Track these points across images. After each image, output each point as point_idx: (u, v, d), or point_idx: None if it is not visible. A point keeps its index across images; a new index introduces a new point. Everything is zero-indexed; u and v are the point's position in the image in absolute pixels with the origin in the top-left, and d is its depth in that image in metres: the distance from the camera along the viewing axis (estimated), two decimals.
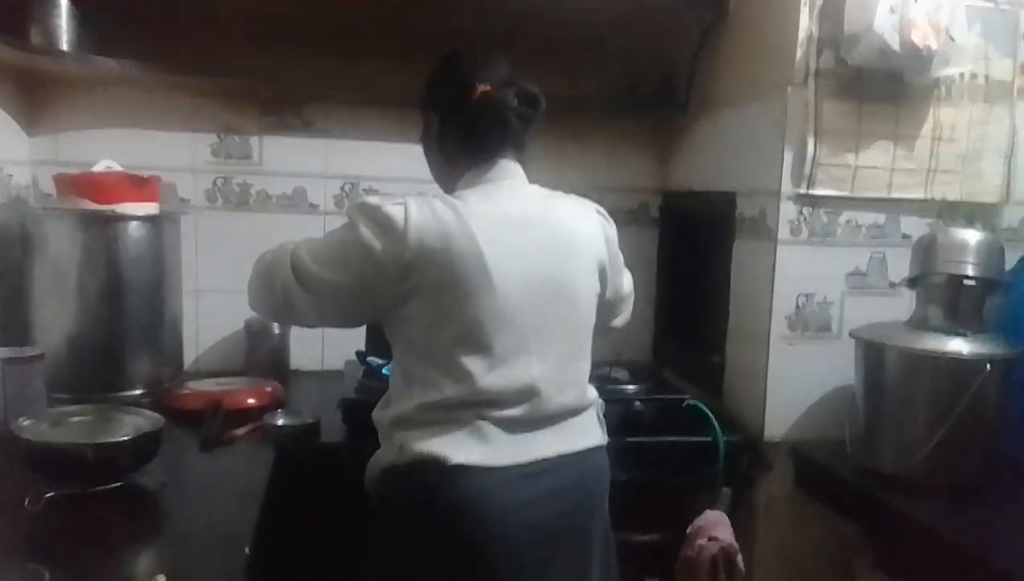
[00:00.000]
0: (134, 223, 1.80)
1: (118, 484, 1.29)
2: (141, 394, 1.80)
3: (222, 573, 1.06)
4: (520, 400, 1.24)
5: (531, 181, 1.37)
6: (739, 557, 1.51)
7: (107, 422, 1.40)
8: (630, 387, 1.85)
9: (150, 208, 1.85)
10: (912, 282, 1.60)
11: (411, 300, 1.23)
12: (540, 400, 1.26)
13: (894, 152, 1.72)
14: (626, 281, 1.53)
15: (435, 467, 1.20)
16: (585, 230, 1.35)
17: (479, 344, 1.22)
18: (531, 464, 1.24)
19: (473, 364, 1.22)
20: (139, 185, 1.84)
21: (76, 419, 1.39)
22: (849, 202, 1.73)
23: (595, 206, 1.42)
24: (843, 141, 1.70)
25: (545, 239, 1.28)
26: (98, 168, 1.86)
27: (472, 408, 1.23)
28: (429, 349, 1.25)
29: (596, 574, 1.32)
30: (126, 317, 1.80)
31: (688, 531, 1.57)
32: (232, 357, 2.10)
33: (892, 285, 1.74)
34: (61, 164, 1.97)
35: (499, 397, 1.23)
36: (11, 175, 1.89)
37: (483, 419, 1.23)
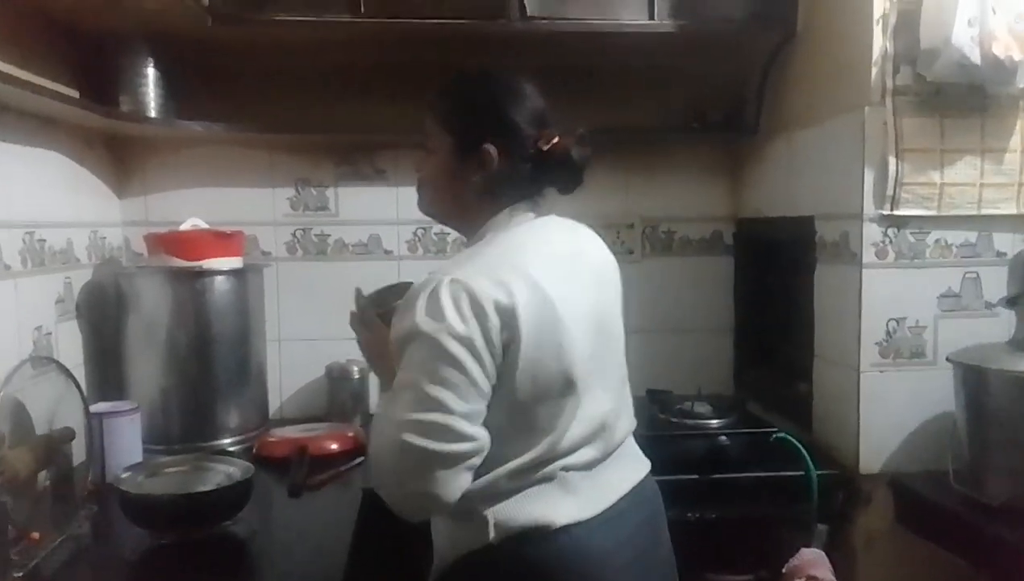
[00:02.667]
0: (220, 277, 1.86)
1: (212, 532, 1.32)
2: (230, 442, 1.85)
3: None
4: (594, 438, 1.19)
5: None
6: None
7: (200, 472, 1.44)
8: (714, 421, 1.80)
9: (235, 262, 1.92)
10: (1011, 301, 1.52)
11: (503, 369, 1.11)
12: (609, 433, 1.22)
13: (982, 167, 1.65)
14: None
15: (540, 536, 1.10)
16: (610, 260, 1.32)
17: (562, 394, 1.14)
18: (615, 506, 1.19)
19: (558, 416, 1.14)
20: (224, 240, 1.91)
21: (171, 470, 1.44)
22: (937, 221, 1.66)
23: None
24: (926, 158, 1.64)
25: (590, 273, 1.25)
26: (185, 226, 1.94)
27: (554, 461, 1.14)
28: (513, 412, 1.12)
29: None
30: (215, 368, 1.85)
31: (784, 571, 1.50)
32: (314, 402, 2.15)
33: (989, 306, 1.65)
34: (150, 224, 2.06)
35: (580, 442, 1.17)
36: (104, 237, 1.99)
37: (565, 470, 1.15)
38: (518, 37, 1.89)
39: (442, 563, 1.19)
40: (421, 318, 1.06)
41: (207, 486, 1.37)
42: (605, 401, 1.22)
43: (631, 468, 1.27)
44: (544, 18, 1.85)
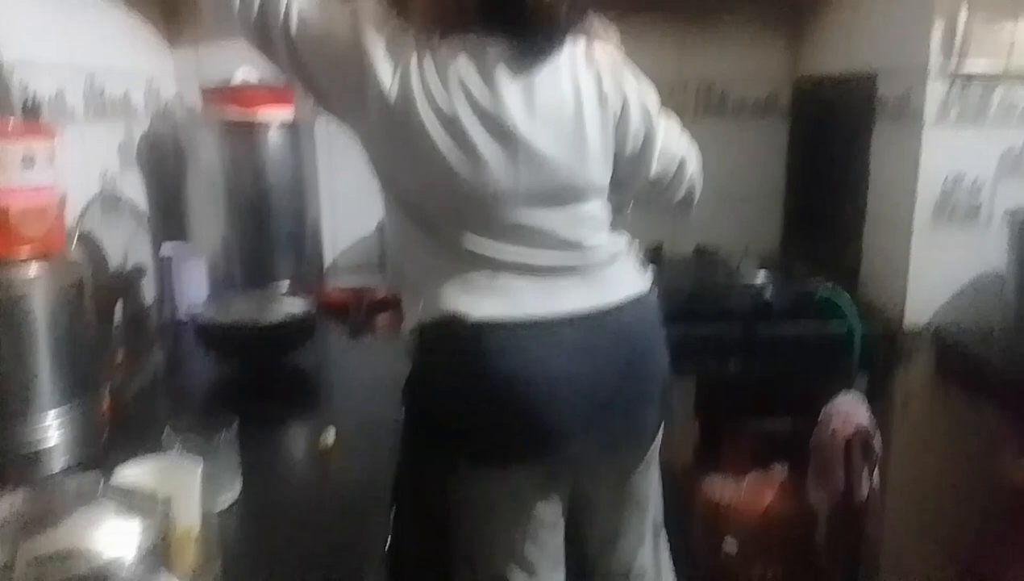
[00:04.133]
0: (274, 130, 1.88)
1: (280, 363, 1.40)
2: (287, 292, 1.92)
3: (382, 435, 1.15)
4: (532, 255, 1.17)
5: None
6: (876, 438, 1.49)
7: (267, 308, 1.50)
8: (759, 277, 1.82)
9: (287, 114, 1.93)
10: None
11: (393, 147, 1.15)
12: (554, 254, 1.18)
13: None
14: (665, 146, 1.28)
15: (456, 325, 1.15)
16: (584, 84, 1.17)
17: (468, 207, 1.14)
18: (560, 317, 1.16)
19: (464, 230, 1.15)
20: (276, 92, 1.91)
21: (238, 305, 1.50)
22: (1005, 78, 1.61)
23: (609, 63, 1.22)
24: (998, 9, 1.57)
25: (539, 106, 1.13)
26: (238, 78, 1.94)
27: (485, 266, 1.16)
28: (407, 204, 1.19)
29: (651, 417, 1.28)
30: (272, 219, 1.90)
31: (822, 415, 1.56)
32: (367, 256, 2.21)
33: None
34: (202, 75, 2.07)
35: (511, 252, 1.16)
36: (158, 88, 2.01)
37: (502, 273, 1.16)
38: None
39: (403, 334, 1.26)
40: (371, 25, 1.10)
41: (273, 319, 1.44)
42: (540, 215, 1.16)
43: (593, 291, 1.20)
44: None
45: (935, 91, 1.60)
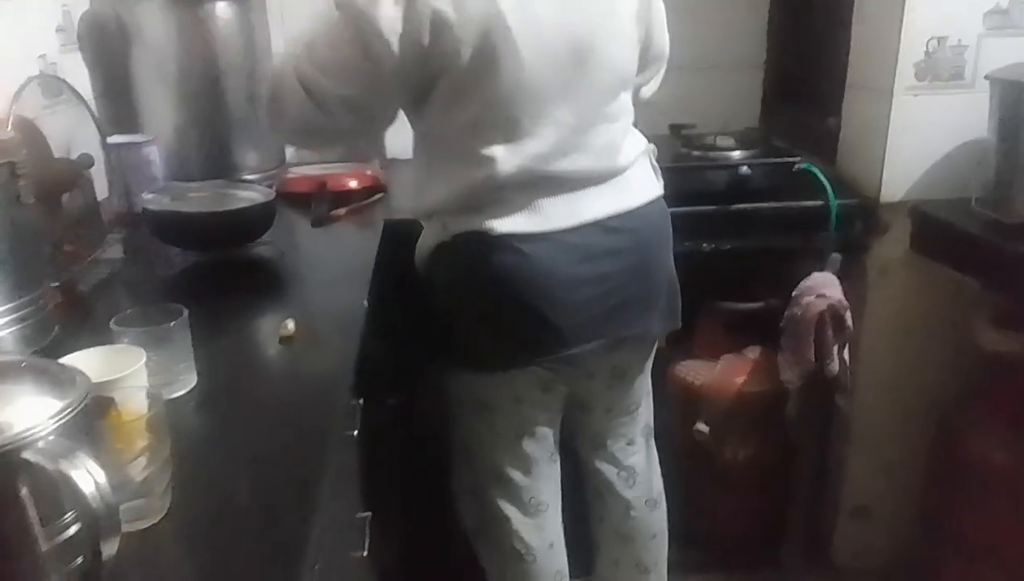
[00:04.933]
0: (221, 3, 1.76)
1: (239, 251, 1.36)
2: (249, 180, 1.85)
3: (344, 319, 1.12)
4: (559, 169, 1.18)
5: None
6: (848, 314, 1.48)
7: (224, 197, 1.44)
8: (736, 153, 1.77)
9: None
10: None
11: (432, 85, 1.12)
12: (577, 167, 1.19)
13: None
14: (663, 40, 1.34)
15: (481, 239, 1.18)
16: None
17: (503, 125, 1.13)
18: (582, 226, 1.19)
19: (505, 142, 1.14)
20: None
21: (195, 194, 1.45)
22: None
23: None
24: None
25: (574, 4, 1.12)
26: None
27: (512, 185, 1.17)
28: (446, 138, 1.18)
29: (660, 319, 1.32)
30: (228, 103, 1.80)
31: (794, 292, 1.55)
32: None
33: None
34: None
35: (538, 170, 1.16)
36: None
37: (525, 190, 1.17)
38: None
39: (420, 254, 1.31)
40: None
41: (231, 208, 1.38)
42: (569, 132, 1.16)
43: (612, 199, 1.22)
44: None
45: None
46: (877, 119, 1.64)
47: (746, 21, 2.04)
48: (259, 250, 1.39)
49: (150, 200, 1.37)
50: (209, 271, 1.33)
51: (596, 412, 1.42)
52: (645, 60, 1.30)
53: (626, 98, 1.25)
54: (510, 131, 1.14)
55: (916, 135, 1.61)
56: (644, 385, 1.43)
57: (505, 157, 1.14)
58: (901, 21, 1.55)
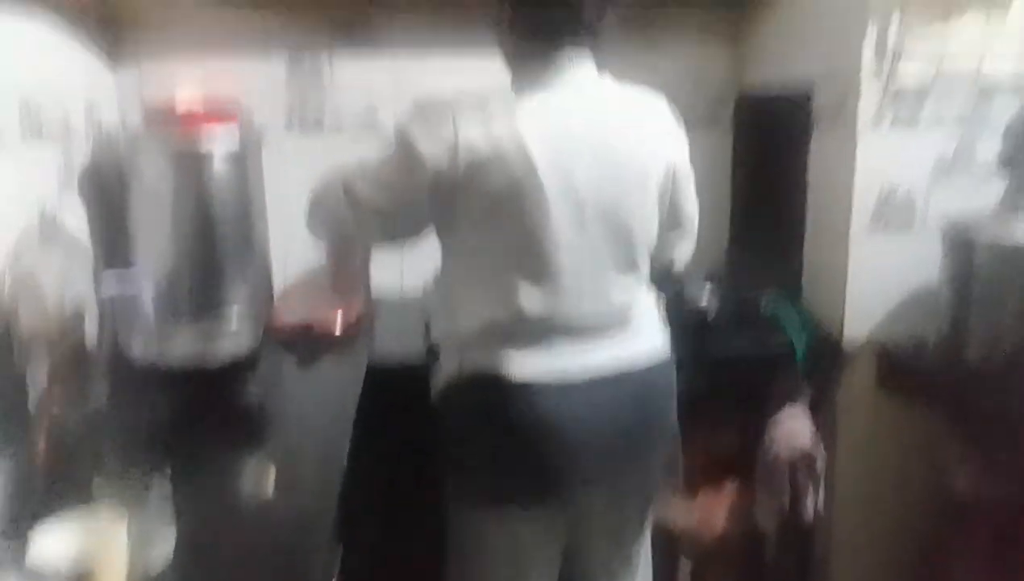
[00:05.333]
0: (219, 153, 1.85)
1: (221, 399, 1.40)
2: (236, 319, 1.90)
3: (325, 471, 1.15)
4: (571, 317, 1.24)
5: None
6: (819, 458, 1.51)
7: (210, 343, 1.49)
8: (704, 293, 1.84)
9: (233, 135, 1.90)
10: (1006, 162, 1.51)
11: (460, 213, 1.21)
12: (592, 316, 1.25)
13: (986, 28, 1.61)
14: (690, 207, 1.41)
15: (494, 383, 1.22)
16: (652, 139, 1.27)
17: (527, 262, 1.20)
18: (594, 376, 1.24)
19: (521, 283, 1.20)
20: (220, 113, 1.89)
21: (181, 341, 1.50)
22: (937, 84, 1.63)
23: (667, 108, 1.33)
24: (930, 18, 1.60)
25: (606, 152, 1.21)
26: (181, 99, 1.91)
27: (524, 329, 1.23)
28: (474, 265, 1.25)
29: (659, 472, 1.37)
30: (219, 244, 1.86)
31: (767, 434, 1.59)
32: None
33: (983, 171, 1.64)
34: (145, 97, 2.04)
35: (552, 318, 1.22)
36: (100, 110, 1.98)
37: (538, 335, 1.23)
38: None
39: (435, 385, 1.35)
40: (407, 118, 1.22)
41: (218, 354, 1.43)
42: (586, 283, 1.23)
43: (620, 351, 1.27)
44: None
45: (869, 99, 1.63)
46: (836, 262, 1.72)
47: (711, 165, 2.16)
48: (244, 393, 1.43)
49: (137, 347, 1.41)
50: (193, 418, 1.35)
51: (592, 566, 1.42)
52: (672, 228, 1.38)
53: (644, 260, 1.31)
54: (534, 273, 1.21)
55: (874, 277, 1.69)
56: (642, 542, 1.44)
57: (527, 297, 1.21)
58: (853, 168, 1.65)
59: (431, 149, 1.17)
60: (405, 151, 1.19)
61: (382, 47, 2.15)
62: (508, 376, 1.21)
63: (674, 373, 1.35)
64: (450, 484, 1.33)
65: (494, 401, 1.23)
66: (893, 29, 1.59)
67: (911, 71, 1.62)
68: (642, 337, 1.31)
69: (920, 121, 1.65)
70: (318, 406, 1.46)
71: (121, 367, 1.47)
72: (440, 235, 1.30)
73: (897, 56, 1.61)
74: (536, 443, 1.22)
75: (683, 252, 1.48)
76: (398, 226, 1.30)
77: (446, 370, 1.31)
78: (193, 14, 2.07)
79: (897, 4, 1.58)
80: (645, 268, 1.32)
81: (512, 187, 1.16)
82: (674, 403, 1.35)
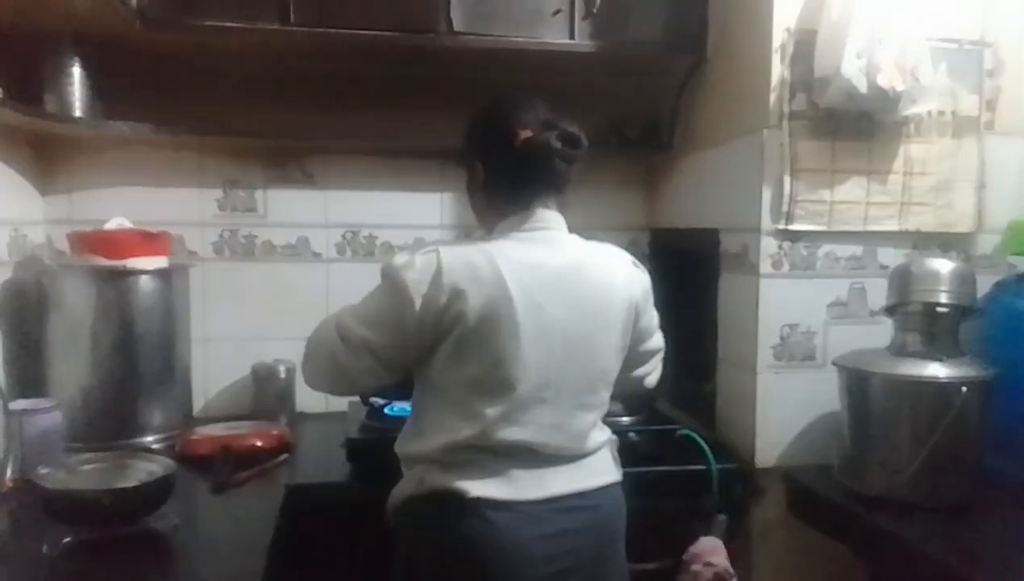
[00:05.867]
0: (145, 277, 1.88)
1: (133, 528, 1.35)
2: (153, 440, 1.87)
3: None
4: (532, 440, 1.29)
5: None
6: None
7: (121, 469, 1.45)
8: (625, 419, 1.90)
9: (160, 262, 1.93)
10: (889, 310, 1.67)
11: (443, 340, 1.27)
12: (551, 446, 1.31)
13: (868, 187, 1.80)
14: (655, 339, 1.55)
15: (453, 499, 1.26)
16: (616, 288, 1.38)
17: (496, 390, 1.27)
18: (548, 500, 1.29)
19: (490, 410, 1.27)
20: (149, 240, 1.93)
21: (91, 466, 1.45)
22: (827, 236, 1.80)
23: (631, 259, 1.45)
24: (819, 178, 1.78)
25: (574, 295, 1.31)
26: (110, 225, 1.94)
27: (488, 451, 1.28)
28: (447, 391, 1.30)
29: None
30: (139, 367, 1.87)
31: (684, 558, 1.62)
32: (239, 401, 2.17)
33: (872, 314, 1.80)
34: (74, 222, 2.06)
35: (513, 443, 1.28)
36: (26, 235, 1.98)
37: (500, 458, 1.28)
38: (446, 51, 1.97)
39: (392, 501, 1.38)
40: (394, 262, 1.29)
41: (129, 482, 1.39)
42: (550, 415, 1.30)
43: (582, 477, 1.34)
44: (471, 34, 1.93)
45: (768, 247, 1.78)
46: (745, 391, 1.82)
47: None
48: (154, 523, 1.38)
49: (44, 475, 1.36)
50: (100, 550, 1.30)
51: None
52: (637, 357, 1.49)
53: (605, 394, 1.40)
54: (502, 400, 1.27)
55: (780, 406, 1.79)
56: None
57: (493, 422, 1.26)
58: (757, 310, 1.78)
59: (417, 284, 1.25)
60: (393, 287, 1.28)
61: (315, 184, 2.24)
62: (466, 492, 1.25)
63: (624, 504, 1.41)
64: None
65: (451, 515, 1.26)
66: (786, 190, 1.76)
67: (804, 224, 1.78)
68: (597, 466, 1.38)
69: (816, 268, 1.80)
70: (233, 533, 1.44)
71: (28, 489, 1.41)
72: (419, 367, 1.35)
73: (791, 213, 1.77)
74: (489, 560, 1.24)
75: (654, 377, 1.60)
76: (385, 363, 1.33)
77: (405, 487, 1.34)
78: (129, 152, 2.13)
79: (788, 168, 1.76)
80: (604, 404, 1.41)
81: (490, 320, 1.25)
82: (623, 533, 1.40)
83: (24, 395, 1.77)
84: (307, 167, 2.24)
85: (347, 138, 2.14)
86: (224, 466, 1.67)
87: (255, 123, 2.09)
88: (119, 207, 2.03)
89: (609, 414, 1.88)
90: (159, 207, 2.13)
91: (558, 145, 1.31)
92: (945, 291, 1.59)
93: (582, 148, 1.34)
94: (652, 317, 1.51)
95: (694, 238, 2.08)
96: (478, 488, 1.26)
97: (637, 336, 1.45)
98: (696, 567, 1.57)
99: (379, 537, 1.39)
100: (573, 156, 1.34)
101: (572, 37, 1.98)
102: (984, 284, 1.70)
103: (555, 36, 1.97)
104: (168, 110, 2.01)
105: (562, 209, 1.40)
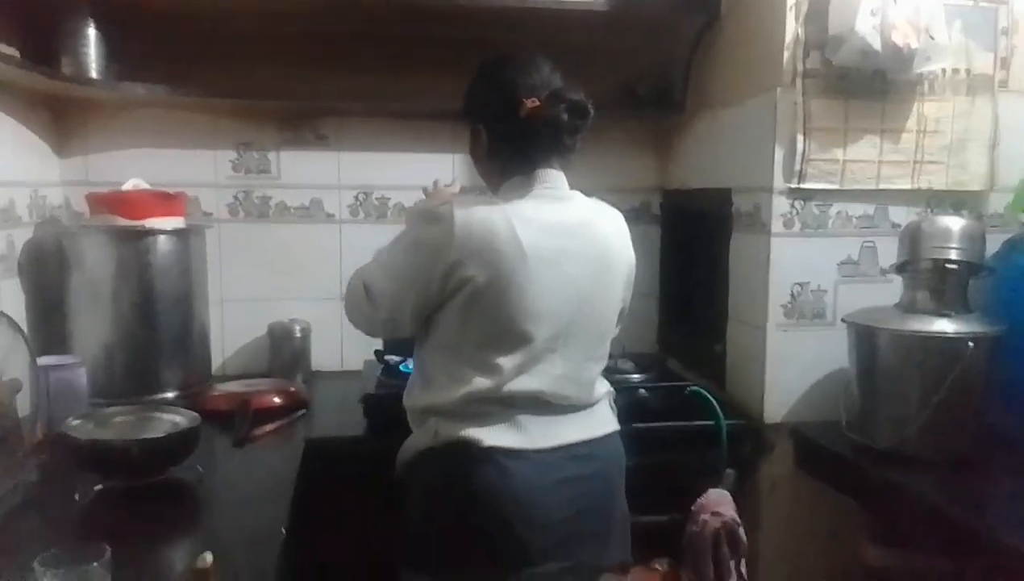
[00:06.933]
0: (163, 237, 1.90)
1: (160, 477, 1.40)
2: (173, 397, 1.91)
3: (263, 550, 1.16)
4: (543, 392, 1.34)
5: None
6: (741, 530, 1.58)
7: (148, 421, 1.50)
8: (635, 376, 1.93)
9: (177, 222, 1.96)
10: (900, 268, 1.68)
11: (454, 296, 1.30)
12: (562, 395, 1.36)
13: (881, 146, 1.81)
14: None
15: (469, 449, 1.30)
16: (619, 245, 1.43)
17: (510, 343, 1.31)
18: (558, 449, 1.34)
19: (504, 361, 1.31)
20: (166, 201, 1.95)
21: (119, 419, 1.50)
22: (839, 194, 1.81)
23: (622, 218, 1.48)
24: (831, 137, 1.78)
25: (584, 250, 1.35)
26: (127, 186, 1.97)
27: (502, 402, 1.32)
28: (460, 345, 1.33)
29: (615, 549, 1.42)
30: (158, 325, 1.90)
31: (692, 509, 1.65)
32: (256, 360, 2.21)
33: (882, 272, 1.82)
34: (91, 184, 2.08)
35: (526, 393, 1.32)
36: (45, 196, 2.01)
37: (513, 408, 1.33)
38: (459, 12, 1.97)
39: (404, 455, 1.42)
40: (413, 211, 1.34)
41: (155, 433, 1.43)
42: (561, 366, 1.34)
43: (587, 427, 1.39)
44: None
45: (780, 206, 1.79)
46: (755, 349, 1.85)
47: (641, 256, 2.30)
48: (179, 474, 1.43)
49: (73, 427, 1.41)
50: (128, 498, 1.35)
51: None
52: (619, 321, 1.52)
53: (606, 346, 1.45)
54: (515, 352, 1.31)
55: (789, 364, 1.81)
56: None
57: (508, 373, 1.31)
58: (768, 267, 1.80)
59: (433, 232, 1.29)
60: (414, 242, 1.33)
61: (328, 146, 2.25)
62: (480, 441, 1.29)
63: (623, 452, 1.46)
64: (406, 551, 1.37)
65: (464, 466, 1.30)
66: (799, 149, 1.77)
67: (816, 183, 1.79)
68: (601, 416, 1.44)
69: (827, 226, 1.81)
70: (256, 485, 1.47)
71: (56, 442, 1.46)
72: (428, 323, 1.38)
73: (804, 172, 1.78)
74: (506, 506, 1.28)
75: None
76: (404, 315, 1.37)
77: (419, 440, 1.38)
78: (144, 114, 2.15)
79: (801, 128, 1.77)
80: (606, 356, 1.46)
81: (503, 278, 1.28)
82: (623, 481, 1.45)
83: (47, 353, 1.81)
84: (320, 129, 2.25)
85: (360, 100, 2.15)
86: (243, 421, 1.71)
87: (269, 85, 2.10)
88: (134, 169, 2.06)
89: (620, 371, 1.95)
90: (174, 169, 2.15)
91: (565, 118, 1.33)
92: (955, 248, 1.60)
93: (589, 118, 1.35)
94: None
95: (706, 198, 2.09)
96: (492, 437, 1.30)
97: (622, 311, 1.49)
98: (704, 516, 1.61)
99: (396, 488, 1.43)
100: (580, 126, 1.35)
101: None
102: (995, 242, 1.71)
103: None
104: (183, 72, 2.02)
105: (565, 168, 1.42)
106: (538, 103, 1.33)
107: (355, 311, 1.47)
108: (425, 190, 1.71)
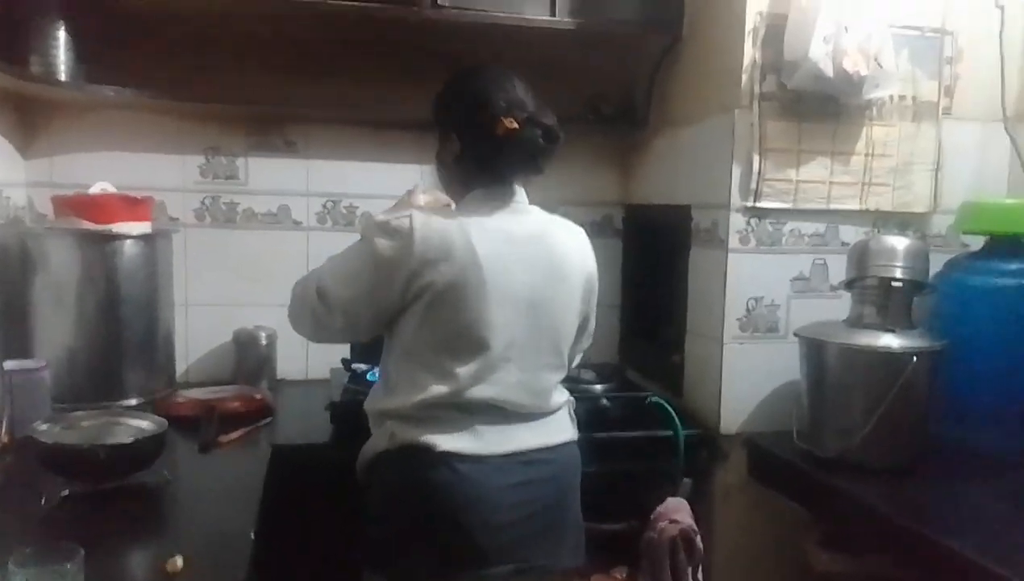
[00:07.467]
0: (129, 241, 1.90)
1: (127, 482, 1.40)
2: (137, 403, 1.90)
3: (231, 554, 1.18)
4: (499, 399, 1.38)
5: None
6: (698, 538, 1.64)
7: (114, 426, 1.50)
8: (597, 386, 1.99)
9: (143, 227, 1.95)
10: (848, 285, 1.76)
11: (413, 304, 1.34)
12: (517, 403, 1.40)
13: (832, 167, 1.89)
14: (593, 317, 1.59)
15: (424, 454, 1.34)
16: (577, 257, 1.47)
17: (467, 350, 1.35)
18: (513, 455, 1.38)
19: (461, 369, 1.35)
20: (132, 205, 1.95)
21: (86, 423, 1.49)
22: (792, 213, 1.89)
23: (584, 236, 1.52)
24: (785, 158, 1.86)
25: (538, 260, 1.40)
26: (94, 190, 1.96)
27: (459, 408, 1.36)
28: (419, 351, 1.37)
29: (567, 553, 1.46)
30: (122, 330, 1.90)
31: (651, 517, 1.70)
32: (221, 367, 2.21)
33: (832, 288, 1.90)
34: (55, 186, 2.07)
35: (483, 401, 1.36)
36: (8, 197, 1.99)
37: (470, 415, 1.36)
38: (428, 24, 2.00)
39: (363, 458, 1.46)
40: (371, 223, 1.36)
41: (122, 438, 1.44)
42: (516, 374, 1.38)
43: (543, 434, 1.43)
44: (453, 7, 1.97)
45: (736, 223, 1.86)
46: (712, 361, 1.91)
47: (603, 269, 2.36)
48: (145, 478, 1.43)
49: (40, 431, 1.41)
50: (95, 502, 1.35)
51: None
52: (582, 333, 1.55)
53: (563, 356, 1.48)
54: (471, 359, 1.35)
55: (744, 375, 1.88)
56: None
57: (464, 379, 1.34)
58: (724, 283, 1.87)
59: (392, 246, 1.32)
60: (370, 251, 1.34)
61: (296, 153, 2.27)
62: (435, 446, 1.33)
63: (579, 460, 1.50)
64: (367, 553, 1.40)
65: (418, 470, 1.34)
66: (755, 169, 1.84)
67: (771, 202, 1.86)
68: (558, 424, 1.48)
69: (781, 244, 1.89)
70: (221, 488, 1.49)
71: (20, 447, 1.45)
72: (389, 327, 1.42)
73: (759, 190, 1.85)
74: (459, 507, 1.32)
75: (581, 352, 1.65)
76: (359, 323, 1.41)
77: (377, 443, 1.41)
78: (111, 116, 2.14)
79: (757, 148, 1.84)
80: (564, 366, 1.49)
81: (459, 287, 1.32)
82: (578, 487, 1.49)
83: (9, 356, 1.80)
84: (288, 135, 2.26)
85: (329, 108, 2.18)
86: (209, 427, 1.72)
87: (238, 90, 2.11)
88: (100, 172, 2.05)
89: (581, 381, 2.00)
90: (140, 172, 2.15)
91: (541, 143, 1.38)
92: (900, 267, 1.69)
93: (560, 142, 1.41)
94: (595, 295, 1.55)
95: (666, 214, 2.16)
96: (447, 443, 1.34)
97: (585, 312, 1.52)
98: (662, 524, 1.66)
99: (358, 492, 1.46)
100: (552, 150, 1.41)
101: (552, 14, 2.03)
102: (938, 262, 1.80)
103: (536, 12, 2.03)
104: (151, 75, 2.02)
105: (526, 184, 1.47)
106: (516, 125, 1.37)
107: (304, 316, 1.46)
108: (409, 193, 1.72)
